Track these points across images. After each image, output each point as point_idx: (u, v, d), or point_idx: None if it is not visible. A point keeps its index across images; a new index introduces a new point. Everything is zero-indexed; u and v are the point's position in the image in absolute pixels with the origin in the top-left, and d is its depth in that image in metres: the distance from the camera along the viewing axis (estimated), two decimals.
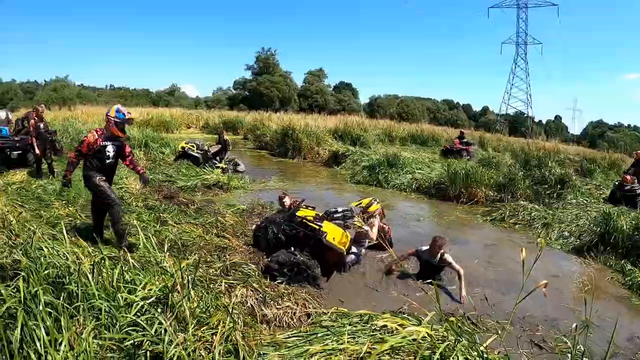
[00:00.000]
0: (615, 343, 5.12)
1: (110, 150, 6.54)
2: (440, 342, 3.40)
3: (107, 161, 6.58)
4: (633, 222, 8.78)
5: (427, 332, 3.53)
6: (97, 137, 6.35)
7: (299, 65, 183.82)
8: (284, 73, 72.16)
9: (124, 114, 6.47)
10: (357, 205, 7.73)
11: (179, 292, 3.64)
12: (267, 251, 6.69)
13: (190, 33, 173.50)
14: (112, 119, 6.40)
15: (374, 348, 3.54)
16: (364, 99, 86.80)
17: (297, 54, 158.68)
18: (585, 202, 12.41)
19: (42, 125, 11.36)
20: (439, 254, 6.59)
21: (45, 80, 73.70)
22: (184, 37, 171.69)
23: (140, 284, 3.74)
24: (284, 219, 6.94)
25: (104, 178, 6.52)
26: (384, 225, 7.95)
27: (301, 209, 6.94)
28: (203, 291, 4.49)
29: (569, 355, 3.53)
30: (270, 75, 69.56)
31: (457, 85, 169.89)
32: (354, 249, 7.21)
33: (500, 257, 8.30)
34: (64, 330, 3.01)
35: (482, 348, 3.36)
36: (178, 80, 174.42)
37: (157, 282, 3.79)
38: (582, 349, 3.79)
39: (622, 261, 8.20)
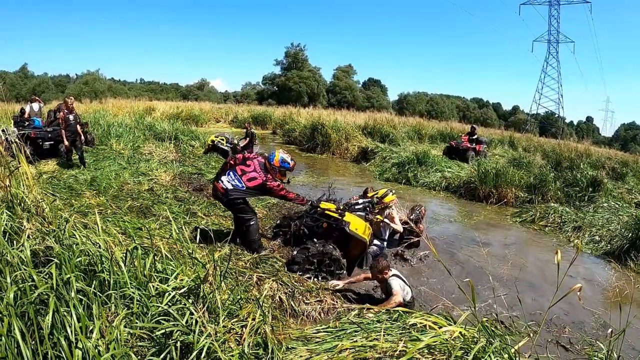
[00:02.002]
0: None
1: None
2: (473, 343, 3.30)
3: None
4: None
5: (460, 332, 3.43)
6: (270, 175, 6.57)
7: (327, 61, 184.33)
8: (312, 68, 72.31)
9: (289, 164, 6.66)
10: (372, 196, 7.64)
11: (210, 284, 3.59)
12: (290, 245, 6.68)
13: (219, 28, 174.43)
14: (278, 168, 6.60)
15: (406, 346, 3.46)
16: (392, 96, 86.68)
17: (326, 50, 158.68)
18: (617, 206, 12.01)
19: (71, 117, 11.50)
20: (384, 281, 5.65)
21: (76, 74, 75.22)
22: (213, 33, 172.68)
23: (172, 274, 3.70)
24: (305, 212, 6.96)
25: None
26: (421, 226, 7.82)
27: (322, 202, 6.88)
28: (233, 283, 4.45)
29: None
30: (299, 70, 69.67)
31: (487, 84, 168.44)
32: (376, 242, 7.16)
33: (529, 259, 8.19)
34: (94, 318, 2.99)
35: (512, 351, 3.25)
36: (207, 75, 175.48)
37: (189, 273, 3.75)
38: (616, 355, 3.64)
39: None
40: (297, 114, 29.72)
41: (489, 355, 3.14)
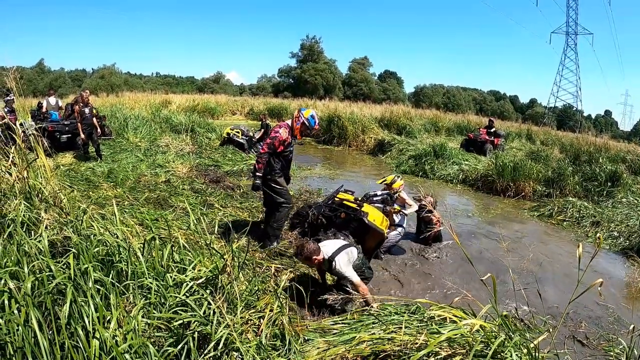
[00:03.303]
0: None
1: (292, 148, 6.56)
2: (493, 337, 3.25)
3: (290, 159, 6.62)
4: None
5: (481, 326, 3.38)
6: (288, 134, 6.29)
7: (343, 53, 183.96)
8: (328, 61, 72.13)
9: (315, 121, 6.42)
10: (381, 182, 7.69)
11: (228, 274, 3.57)
12: (308, 236, 6.61)
13: (234, 21, 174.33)
14: (305, 120, 6.34)
15: (426, 339, 3.41)
16: (409, 88, 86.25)
17: (341, 42, 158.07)
18: (636, 201, 11.77)
19: (87, 111, 11.59)
20: (320, 265, 5.10)
21: (92, 69, 75.70)
22: (229, 25, 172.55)
23: (189, 264, 3.68)
24: (323, 202, 6.94)
25: (283, 177, 6.57)
26: (434, 217, 7.77)
27: (340, 192, 6.85)
28: (251, 274, 4.43)
29: (624, 356, 3.31)
30: (315, 62, 69.55)
31: (504, 76, 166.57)
32: (391, 232, 7.14)
33: (547, 253, 8.05)
34: (112, 308, 2.97)
35: (532, 345, 3.19)
36: (222, 68, 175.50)
37: (207, 263, 3.73)
38: (637, 353, 3.56)
39: None
40: (313, 106, 29.66)
41: (509, 350, 3.08)
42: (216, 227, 5.18)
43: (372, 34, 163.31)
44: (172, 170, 10.70)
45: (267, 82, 79.91)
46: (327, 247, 4.99)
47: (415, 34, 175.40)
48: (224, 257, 3.73)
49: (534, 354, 3.13)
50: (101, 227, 3.89)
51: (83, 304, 2.84)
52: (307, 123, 6.32)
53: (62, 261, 3.26)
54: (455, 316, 3.67)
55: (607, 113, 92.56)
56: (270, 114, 30.59)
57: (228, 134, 15.43)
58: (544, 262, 7.53)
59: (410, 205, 7.50)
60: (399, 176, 7.74)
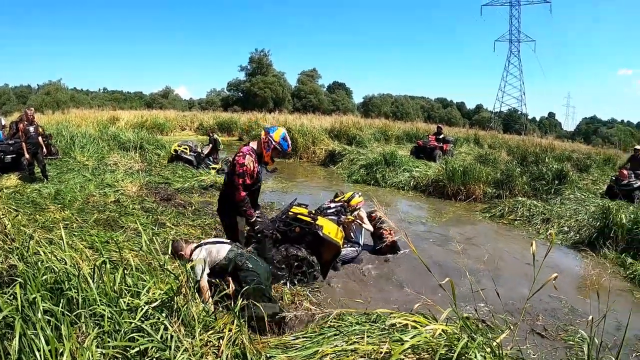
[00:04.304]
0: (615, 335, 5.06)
1: (261, 176, 5.76)
2: (456, 340, 3.29)
3: (259, 188, 5.84)
4: (632, 216, 8.88)
5: (443, 330, 3.42)
6: (254, 163, 5.46)
7: (292, 65, 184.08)
8: (277, 73, 72.16)
9: (288, 144, 5.62)
10: (338, 200, 7.66)
11: (184, 296, 3.49)
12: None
13: (182, 36, 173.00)
14: (276, 144, 5.50)
15: (390, 348, 3.42)
16: (357, 98, 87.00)
17: (290, 55, 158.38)
18: (583, 197, 12.50)
19: (32, 129, 11.17)
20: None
21: (38, 84, 73.47)
22: (176, 40, 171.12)
23: (143, 287, 3.58)
24: (277, 216, 6.88)
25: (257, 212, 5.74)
26: (384, 231, 7.86)
27: (294, 206, 6.83)
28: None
29: (586, 346, 3.40)
30: (264, 75, 69.49)
31: (451, 84, 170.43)
32: (349, 247, 7.19)
33: (501, 252, 8.35)
34: (64, 340, 2.85)
35: (494, 344, 3.25)
36: (171, 83, 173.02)
37: (161, 285, 3.64)
38: (597, 341, 3.68)
39: (623, 255, 8.23)
40: (263, 120, 29.65)
41: (473, 352, 3.12)
42: (170, 247, 5.06)
43: (321, 46, 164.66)
44: (121, 189, 10.44)
45: (217, 97, 79.24)
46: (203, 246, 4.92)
47: (363, 45, 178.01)
48: (179, 277, 3.65)
49: (497, 352, 3.18)
50: (49, 252, 3.74)
51: (33, 337, 2.72)
52: (279, 148, 5.54)
53: (8, 292, 3.12)
54: (417, 322, 3.69)
55: (551, 115, 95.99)
56: (220, 128, 30.43)
57: (176, 150, 15.25)
58: (498, 261, 7.77)
59: (367, 224, 7.51)
60: (358, 193, 7.78)
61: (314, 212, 6.81)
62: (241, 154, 5.39)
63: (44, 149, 11.65)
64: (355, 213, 7.40)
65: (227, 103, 69.85)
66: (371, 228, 7.57)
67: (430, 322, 3.65)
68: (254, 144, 5.59)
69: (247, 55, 74.66)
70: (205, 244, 4.89)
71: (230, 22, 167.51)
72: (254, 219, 5.48)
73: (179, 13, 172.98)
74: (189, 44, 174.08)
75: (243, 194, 5.32)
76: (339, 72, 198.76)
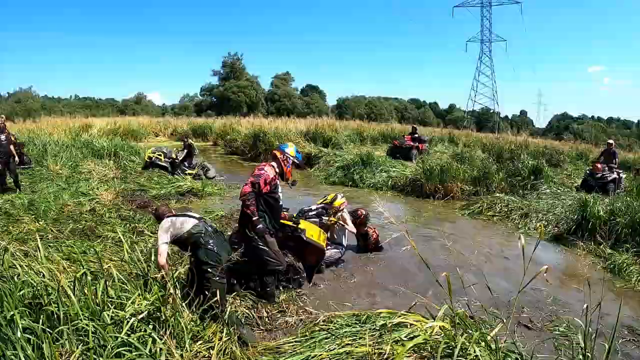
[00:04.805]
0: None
1: (279, 190, 5.75)
2: (452, 336, 3.25)
3: (279, 201, 5.76)
4: (608, 207, 9.13)
5: (440, 327, 3.37)
6: (275, 174, 5.60)
7: (265, 69, 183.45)
8: (250, 77, 71.72)
9: (302, 156, 5.70)
10: (321, 202, 7.60)
11: (172, 305, 3.34)
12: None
13: (153, 41, 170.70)
14: (293, 158, 5.81)
15: (393, 349, 3.35)
16: (331, 100, 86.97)
17: (262, 59, 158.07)
18: (559, 191, 12.74)
19: (3, 138, 10.82)
20: None
21: (8, 92, 71.64)
22: (148, 46, 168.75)
23: (127, 299, 3.43)
24: None
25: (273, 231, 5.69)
26: (369, 229, 7.82)
27: None
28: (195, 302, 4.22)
29: (580, 336, 3.40)
30: (237, 80, 69.08)
31: (424, 84, 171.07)
32: (332, 249, 7.11)
33: (482, 248, 8.40)
34: (47, 359, 2.69)
35: (489, 338, 3.22)
36: (144, 89, 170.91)
37: (147, 295, 3.49)
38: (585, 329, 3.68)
39: (601, 246, 8.37)
40: (237, 124, 29.42)
41: (472, 347, 3.08)
42: (152, 255, 4.91)
43: (293, 49, 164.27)
44: (96, 197, 10.19)
45: (190, 102, 78.62)
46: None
47: (335, 47, 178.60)
48: (166, 286, 3.51)
49: (493, 346, 3.20)
50: (25, 265, 3.57)
51: (13, 357, 2.55)
52: (297, 161, 5.91)
53: None
54: (415, 320, 3.64)
55: (523, 112, 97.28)
56: (195, 133, 30.10)
57: (150, 157, 15.02)
58: (479, 256, 7.84)
59: (350, 226, 7.39)
60: (340, 194, 7.70)
61: (295, 215, 6.71)
62: (262, 165, 5.64)
63: (16, 158, 11.32)
64: (339, 215, 7.32)
65: (200, 108, 69.21)
66: (354, 230, 7.49)
67: (428, 320, 3.61)
68: (273, 163, 5.75)
69: (220, 60, 74.35)
70: (176, 215, 4.91)
71: (202, 27, 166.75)
72: (256, 217, 5.38)
73: (150, 18, 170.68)
74: (160, 49, 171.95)
75: (249, 189, 5.35)
76: (312, 75, 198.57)
